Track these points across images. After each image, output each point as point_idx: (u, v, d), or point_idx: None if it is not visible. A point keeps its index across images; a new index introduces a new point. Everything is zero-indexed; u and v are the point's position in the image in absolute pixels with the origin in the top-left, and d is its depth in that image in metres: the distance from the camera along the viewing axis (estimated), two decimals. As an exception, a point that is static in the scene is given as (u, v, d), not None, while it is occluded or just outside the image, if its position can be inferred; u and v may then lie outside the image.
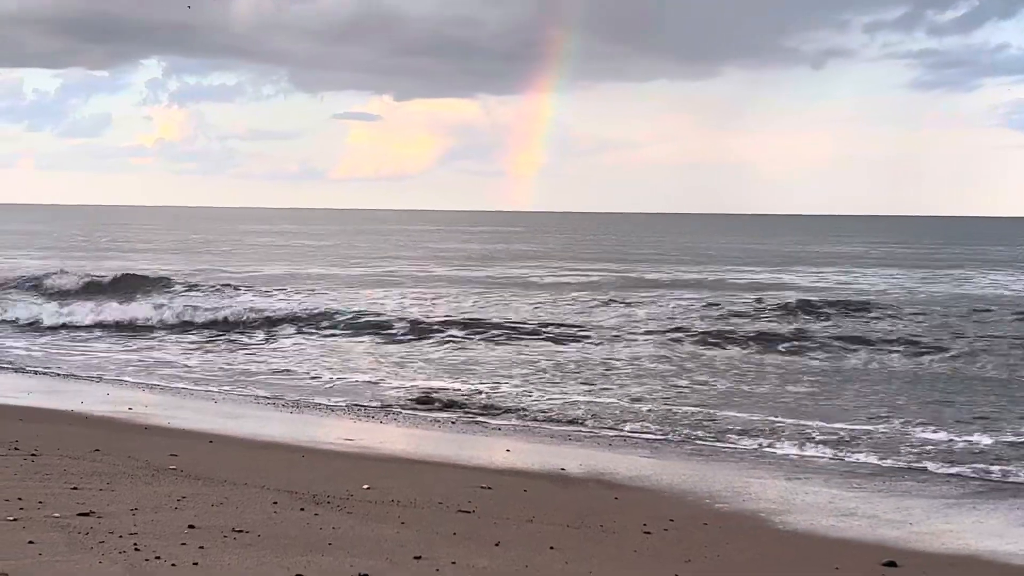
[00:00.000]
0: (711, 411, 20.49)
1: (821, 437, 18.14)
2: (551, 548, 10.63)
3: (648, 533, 11.58)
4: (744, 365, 26.79)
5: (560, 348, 29.71)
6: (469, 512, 12.01)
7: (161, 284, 46.85)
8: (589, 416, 20.06)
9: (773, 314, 36.60)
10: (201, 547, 9.70)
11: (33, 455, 14.05)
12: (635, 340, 30.78)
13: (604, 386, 23.58)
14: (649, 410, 20.64)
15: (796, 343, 30.29)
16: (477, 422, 19.93)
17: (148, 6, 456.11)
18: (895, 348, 29.37)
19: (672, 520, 12.22)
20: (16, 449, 14.46)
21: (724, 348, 29.68)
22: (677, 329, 32.69)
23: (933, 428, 18.85)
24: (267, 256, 78.70)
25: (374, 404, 21.42)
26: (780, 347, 29.71)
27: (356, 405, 21.27)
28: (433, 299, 43.18)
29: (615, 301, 41.65)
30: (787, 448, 17.52)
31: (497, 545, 10.59)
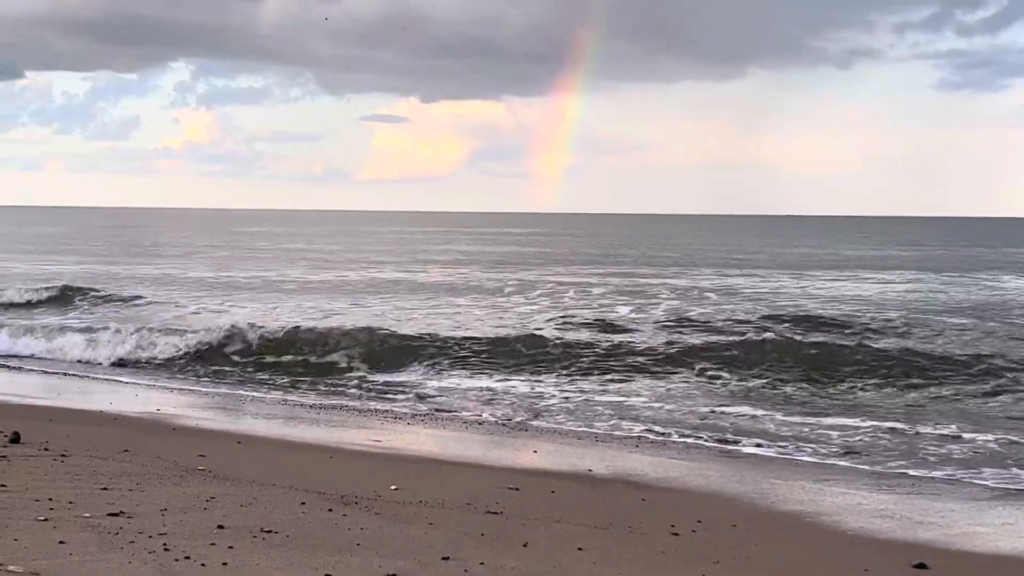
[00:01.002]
0: (731, 412, 20.45)
1: (844, 440, 18.09)
2: (579, 549, 10.62)
3: (676, 534, 11.56)
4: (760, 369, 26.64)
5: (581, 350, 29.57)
6: (497, 513, 12.01)
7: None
8: (615, 417, 20.06)
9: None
10: (230, 547, 9.73)
11: (63, 455, 14.12)
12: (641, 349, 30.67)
13: (625, 387, 23.56)
14: (670, 410, 20.62)
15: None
16: (503, 423, 19.94)
17: (177, 9, 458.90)
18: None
19: (700, 521, 12.19)
20: (46, 450, 14.54)
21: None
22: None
23: (956, 430, 18.77)
24: (236, 259, 77.51)
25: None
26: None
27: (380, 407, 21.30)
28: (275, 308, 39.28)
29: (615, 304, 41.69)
30: (812, 451, 17.46)
31: (525, 546, 10.58)
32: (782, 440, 18.17)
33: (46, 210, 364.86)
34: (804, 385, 23.94)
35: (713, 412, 20.51)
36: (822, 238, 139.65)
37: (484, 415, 20.33)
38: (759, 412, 20.44)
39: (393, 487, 13.09)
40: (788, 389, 23.40)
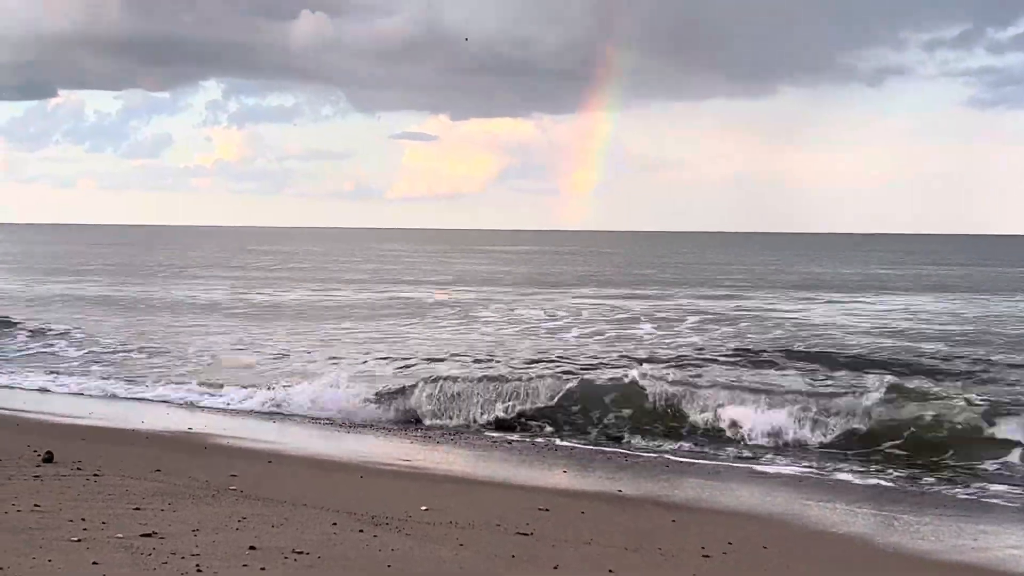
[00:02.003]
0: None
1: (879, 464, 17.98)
2: (609, 571, 10.60)
3: (707, 556, 11.53)
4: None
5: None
6: (527, 534, 12.01)
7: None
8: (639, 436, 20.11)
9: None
10: (262, 568, 9.77)
11: (96, 475, 14.21)
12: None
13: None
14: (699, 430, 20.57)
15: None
16: (534, 443, 19.93)
17: (209, 28, 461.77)
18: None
19: (731, 543, 12.15)
20: (79, 469, 14.64)
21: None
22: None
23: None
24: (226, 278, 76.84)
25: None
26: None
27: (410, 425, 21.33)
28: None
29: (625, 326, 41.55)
30: (844, 472, 17.39)
31: (556, 568, 10.58)
32: (812, 462, 18.10)
33: (80, 228, 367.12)
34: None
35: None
36: (857, 256, 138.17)
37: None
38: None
39: (423, 507, 13.11)
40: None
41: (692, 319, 41.94)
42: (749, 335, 35.75)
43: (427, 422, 22.27)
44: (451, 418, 22.36)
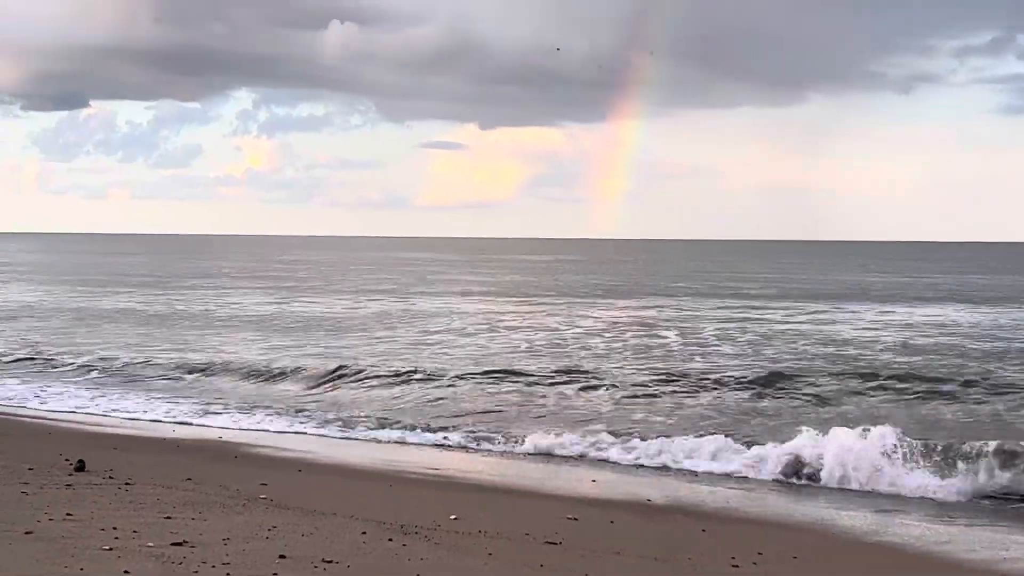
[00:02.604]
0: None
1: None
2: (639, 581, 10.61)
3: (736, 567, 11.50)
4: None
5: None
6: (556, 544, 12.01)
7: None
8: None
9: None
10: (292, 577, 9.80)
11: (127, 484, 14.29)
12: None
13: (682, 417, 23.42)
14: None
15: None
16: (564, 456, 19.91)
17: (240, 39, 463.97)
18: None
19: (761, 553, 12.12)
20: (111, 478, 14.73)
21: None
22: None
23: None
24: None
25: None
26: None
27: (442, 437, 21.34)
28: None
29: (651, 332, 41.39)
30: (873, 483, 17.26)
31: (584, 577, 10.58)
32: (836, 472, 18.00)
33: (113, 238, 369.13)
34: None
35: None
36: (888, 264, 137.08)
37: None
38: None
39: (453, 516, 13.13)
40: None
41: (745, 335, 39.68)
42: (779, 352, 35.65)
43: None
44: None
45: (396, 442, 20.84)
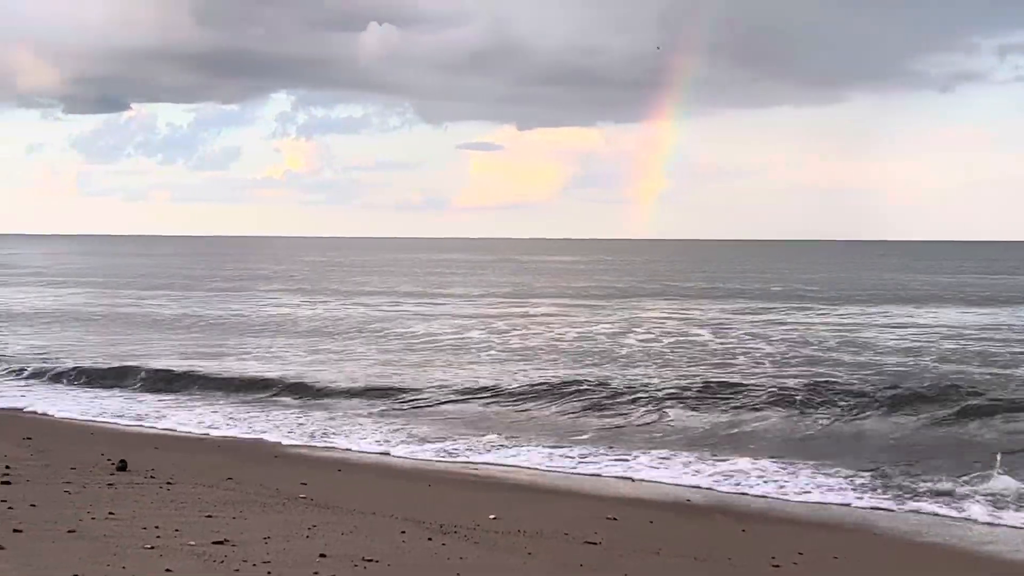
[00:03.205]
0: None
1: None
2: (678, 580, 10.58)
3: (777, 566, 11.45)
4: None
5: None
6: (596, 544, 12.00)
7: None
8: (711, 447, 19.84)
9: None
10: (333, 575, 9.84)
11: (169, 483, 14.39)
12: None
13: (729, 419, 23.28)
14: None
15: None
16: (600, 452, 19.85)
17: (279, 42, 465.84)
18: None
19: (801, 553, 12.06)
20: (152, 477, 14.83)
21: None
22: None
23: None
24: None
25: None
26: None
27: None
28: None
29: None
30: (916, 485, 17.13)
31: (624, 577, 10.56)
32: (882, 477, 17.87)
33: (154, 239, 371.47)
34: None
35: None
36: (935, 264, 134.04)
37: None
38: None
39: (492, 516, 13.13)
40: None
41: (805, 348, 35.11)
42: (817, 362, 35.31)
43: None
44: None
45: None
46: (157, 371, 29.14)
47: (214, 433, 21.10)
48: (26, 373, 29.26)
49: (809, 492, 15.90)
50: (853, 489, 15.96)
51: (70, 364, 30.40)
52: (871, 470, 17.07)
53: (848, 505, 15.12)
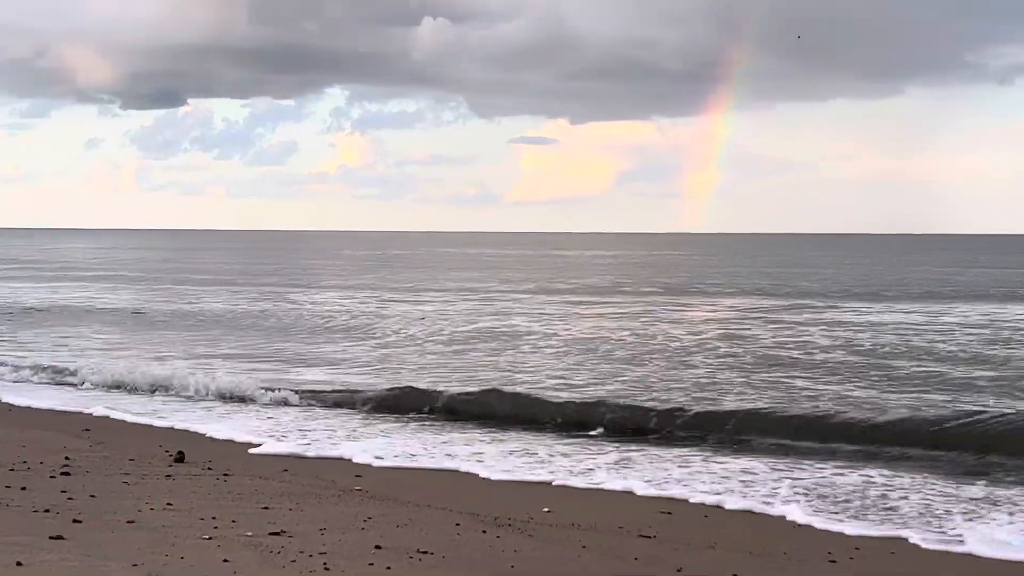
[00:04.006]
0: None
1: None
2: (734, 575, 10.54)
3: (833, 561, 11.38)
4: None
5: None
6: (650, 537, 11.98)
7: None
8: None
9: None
10: (388, 567, 9.90)
11: (225, 475, 14.52)
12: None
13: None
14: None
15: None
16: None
17: (334, 37, 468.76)
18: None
19: (858, 548, 11.97)
20: (209, 469, 14.98)
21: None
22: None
23: None
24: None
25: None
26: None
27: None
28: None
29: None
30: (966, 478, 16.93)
31: (679, 571, 10.54)
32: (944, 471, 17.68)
33: (211, 233, 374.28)
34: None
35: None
36: (1002, 258, 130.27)
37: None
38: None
39: (545, 509, 13.15)
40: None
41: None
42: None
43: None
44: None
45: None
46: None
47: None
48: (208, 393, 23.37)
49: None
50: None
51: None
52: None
53: (907, 499, 14.95)
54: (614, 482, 15.20)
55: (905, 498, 14.35)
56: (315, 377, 26.12)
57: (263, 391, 23.02)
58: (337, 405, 22.18)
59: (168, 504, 12.37)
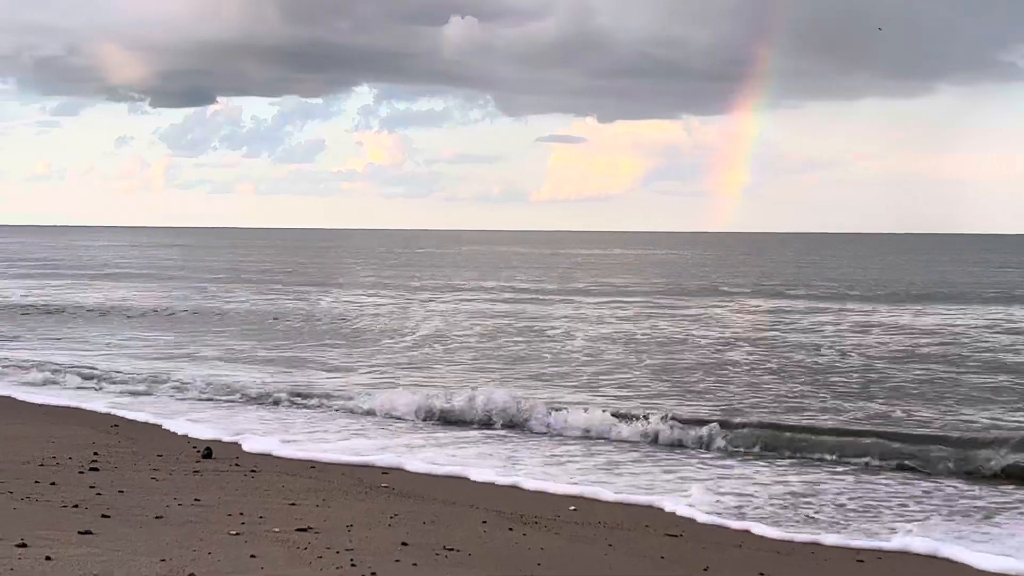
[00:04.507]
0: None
1: None
2: (760, 574, 10.51)
3: (861, 561, 11.34)
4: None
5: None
6: (676, 536, 11.96)
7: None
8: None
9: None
10: (414, 564, 9.91)
11: (253, 471, 14.57)
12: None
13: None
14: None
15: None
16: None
17: (362, 35, 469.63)
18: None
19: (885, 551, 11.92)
20: (237, 465, 15.03)
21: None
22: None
23: None
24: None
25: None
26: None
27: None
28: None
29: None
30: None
31: (705, 570, 10.52)
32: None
33: (240, 231, 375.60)
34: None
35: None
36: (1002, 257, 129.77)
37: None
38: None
39: (572, 508, 13.15)
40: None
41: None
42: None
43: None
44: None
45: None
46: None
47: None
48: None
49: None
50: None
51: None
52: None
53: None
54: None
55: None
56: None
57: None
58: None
59: (196, 500, 12.43)
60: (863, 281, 71.11)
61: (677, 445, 17.87)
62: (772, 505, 13.67)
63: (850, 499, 14.07)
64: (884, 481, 15.29)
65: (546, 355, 29.89)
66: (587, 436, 18.48)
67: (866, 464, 16.39)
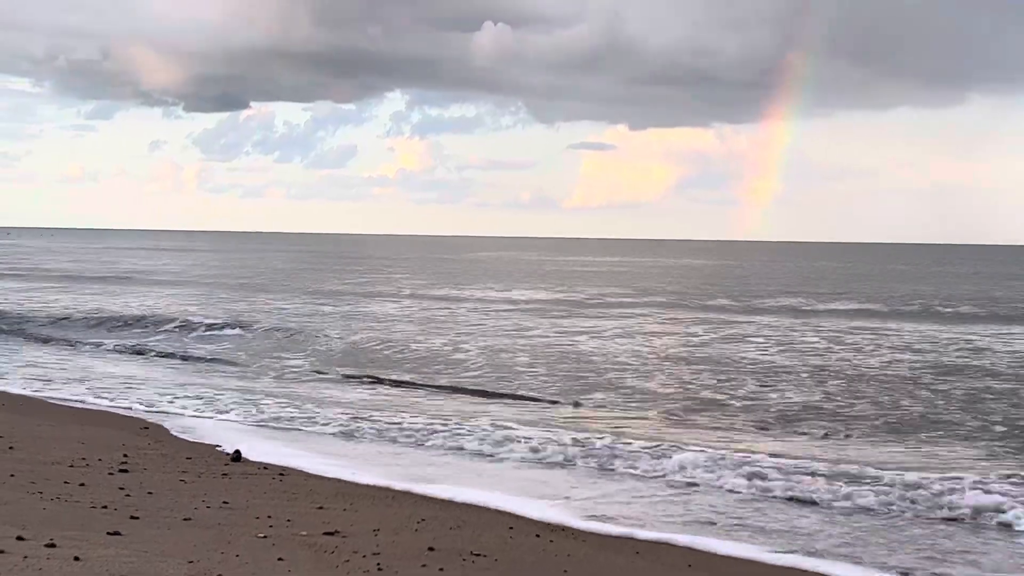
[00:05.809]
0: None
1: None
2: (788, 584, 10.46)
3: (889, 572, 11.26)
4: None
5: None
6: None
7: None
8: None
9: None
10: (441, 569, 9.91)
11: (281, 475, 14.61)
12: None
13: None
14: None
15: None
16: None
17: (395, 42, 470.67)
18: None
19: (915, 559, 11.82)
20: (265, 468, 15.07)
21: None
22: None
23: None
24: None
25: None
26: None
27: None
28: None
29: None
30: None
31: (733, 579, 10.48)
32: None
33: (271, 236, 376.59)
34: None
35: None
36: None
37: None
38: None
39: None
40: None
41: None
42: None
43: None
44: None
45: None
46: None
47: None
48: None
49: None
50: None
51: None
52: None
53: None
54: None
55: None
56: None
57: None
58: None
59: (224, 503, 12.46)
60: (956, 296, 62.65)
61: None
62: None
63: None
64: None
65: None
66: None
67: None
